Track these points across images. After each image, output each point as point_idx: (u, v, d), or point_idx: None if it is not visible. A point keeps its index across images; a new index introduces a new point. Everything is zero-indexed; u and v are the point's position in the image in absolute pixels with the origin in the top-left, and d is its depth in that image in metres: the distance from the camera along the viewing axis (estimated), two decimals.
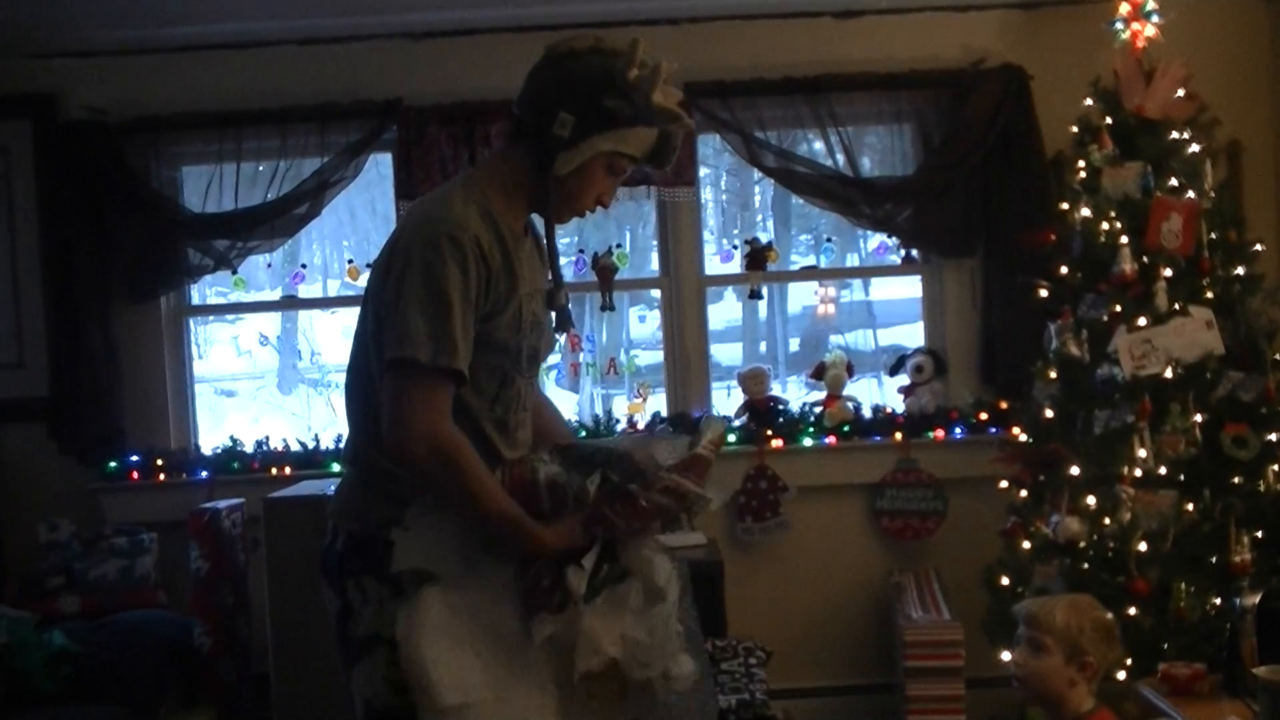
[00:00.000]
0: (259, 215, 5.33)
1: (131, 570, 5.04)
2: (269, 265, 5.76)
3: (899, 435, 5.40)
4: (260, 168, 5.41)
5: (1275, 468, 4.36)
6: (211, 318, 6.72)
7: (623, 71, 2.58)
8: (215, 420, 6.58)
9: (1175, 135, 4.65)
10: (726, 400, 5.89)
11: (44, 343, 5.36)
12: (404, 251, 2.53)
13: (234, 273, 5.51)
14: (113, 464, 5.34)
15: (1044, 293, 4.79)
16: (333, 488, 4.62)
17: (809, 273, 6.31)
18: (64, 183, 5.28)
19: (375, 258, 2.68)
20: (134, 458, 5.36)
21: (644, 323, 7.95)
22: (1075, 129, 4.85)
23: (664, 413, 5.55)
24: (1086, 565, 4.35)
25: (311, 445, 5.46)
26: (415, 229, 2.56)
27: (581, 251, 5.68)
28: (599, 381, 6.26)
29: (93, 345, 5.27)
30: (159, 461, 5.37)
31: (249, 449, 5.46)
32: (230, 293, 5.84)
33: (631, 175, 5.18)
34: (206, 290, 5.94)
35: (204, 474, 5.38)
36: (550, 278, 2.84)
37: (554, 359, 5.85)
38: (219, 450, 5.46)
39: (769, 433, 5.42)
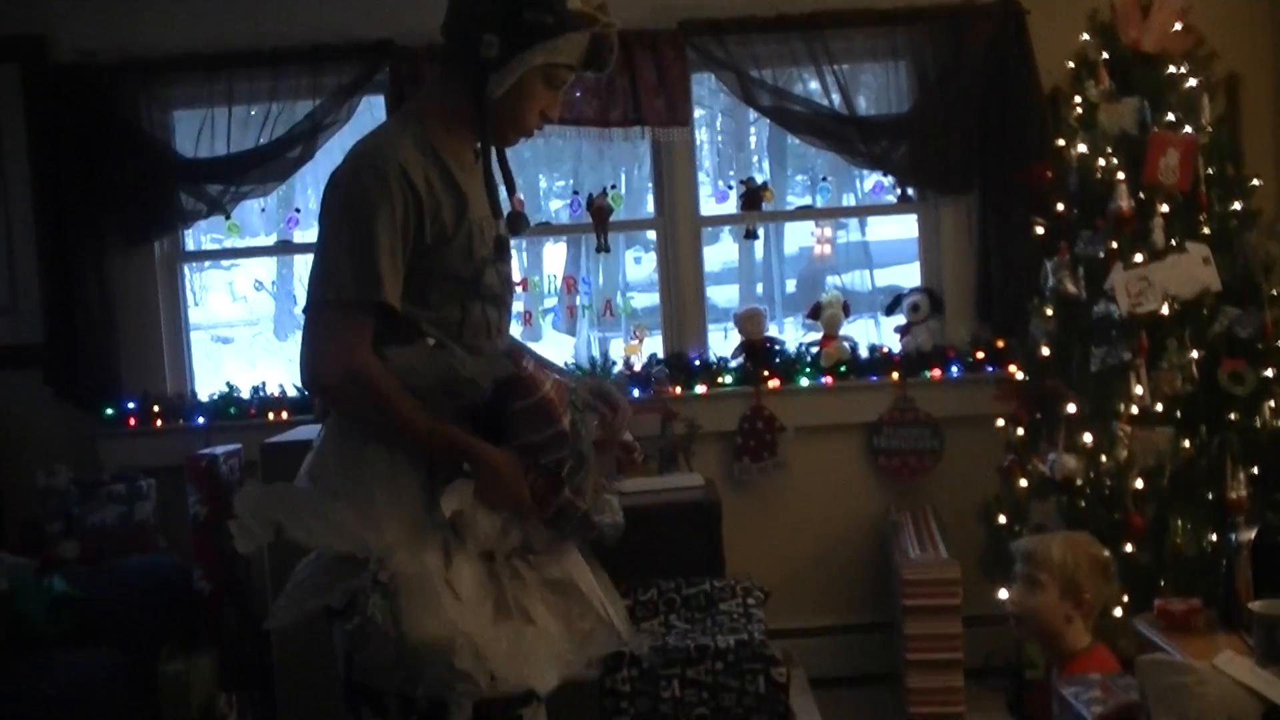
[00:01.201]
0: (252, 159, 5.30)
1: (130, 515, 5.05)
2: (263, 210, 5.74)
3: (895, 375, 5.40)
4: (252, 111, 5.37)
5: (1272, 403, 4.37)
6: (206, 264, 6.69)
7: None
8: (212, 366, 6.57)
9: (1172, 69, 4.61)
10: (723, 341, 5.89)
11: (37, 288, 5.34)
12: (331, 187, 2.57)
13: (227, 217, 5.48)
14: (109, 410, 5.34)
15: (1040, 230, 4.78)
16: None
17: (805, 212, 6.28)
18: (54, 126, 5.25)
19: None
20: (131, 404, 5.36)
21: (640, 264, 7.92)
22: (1072, 64, 4.82)
23: (660, 355, 5.54)
24: (1083, 502, 4.37)
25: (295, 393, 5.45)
26: (344, 164, 2.58)
27: (576, 193, 5.66)
28: (595, 324, 6.24)
29: (87, 291, 5.26)
30: (156, 408, 5.38)
31: (245, 395, 5.46)
32: (225, 239, 5.82)
33: (625, 115, 5.23)
34: (201, 237, 5.91)
35: (201, 420, 5.38)
36: (510, 203, 2.85)
37: (550, 302, 5.86)
38: (216, 396, 5.46)
39: (766, 373, 5.41)
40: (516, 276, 6.12)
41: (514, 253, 2.87)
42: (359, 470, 2.54)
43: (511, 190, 2.89)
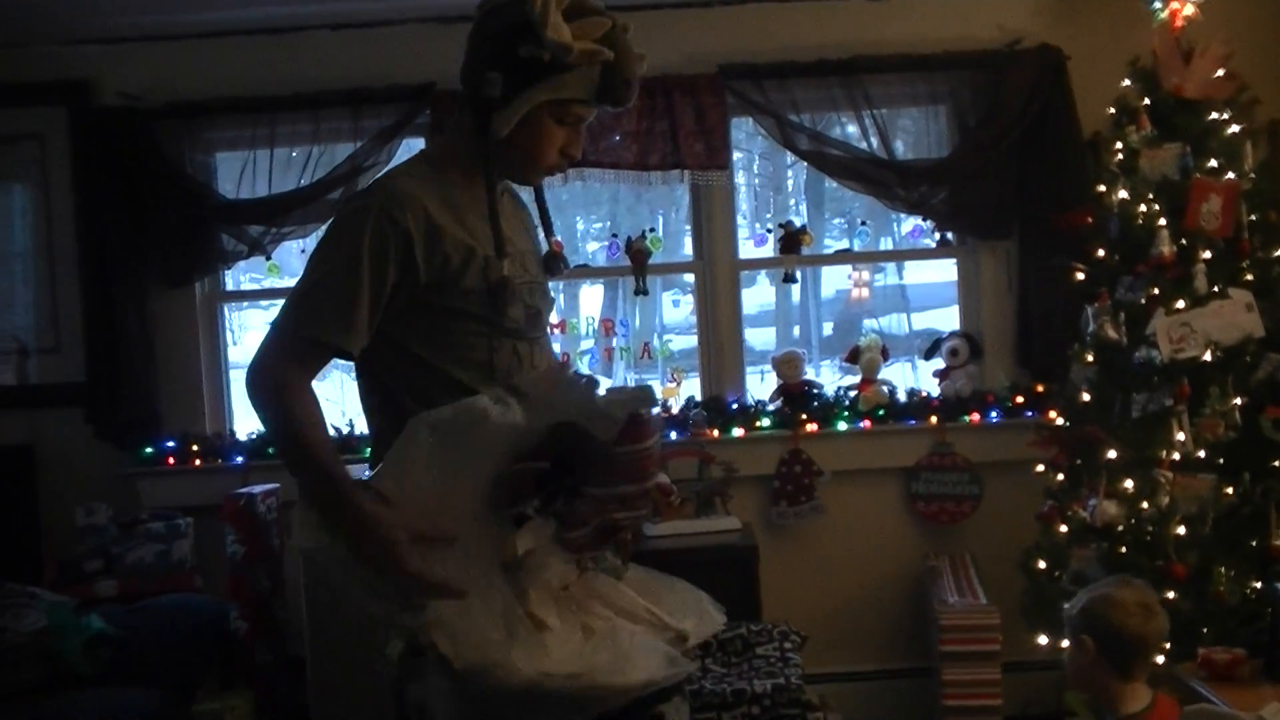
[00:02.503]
0: (292, 201, 5.34)
1: (168, 554, 5.07)
2: (302, 251, 5.76)
3: (934, 419, 5.38)
4: (294, 153, 5.42)
5: None
6: (246, 304, 6.73)
7: (535, 15, 2.45)
8: (250, 406, 6.61)
9: (1214, 115, 4.59)
10: (760, 385, 5.88)
11: (80, 328, 5.39)
12: (332, 220, 2.60)
13: (268, 258, 5.52)
14: (149, 449, 5.36)
15: (1081, 275, 4.76)
16: (367, 471, 4.67)
17: (843, 256, 6.27)
18: (98, 169, 5.30)
19: None
20: (170, 443, 5.38)
21: (677, 307, 7.94)
22: (1112, 110, 4.80)
23: (698, 398, 5.53)
24: (1124, 549, 4.32)
25: (346, 430, 5.46)
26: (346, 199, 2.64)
27: (615, 236, 5.67)
28: (632, 366, 6.24)
29: (129, 331, 5.29)
30: (194, 447, 5.40)
31: None
32: (264, 279, 5.85)
33: (664, 159, 5.25)
34: (240, 276, 5.95)
35: (239, 459, 5.39)
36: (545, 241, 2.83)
37: (587, 344, 5.86)
38: (254, 436, 5.47)
39: (803, 417, 5.40)
40: (554, 318, 6.16)
41: (550, 292, 2.85)
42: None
43: (549, 231, 2.85)
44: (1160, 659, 3.84)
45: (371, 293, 2.45)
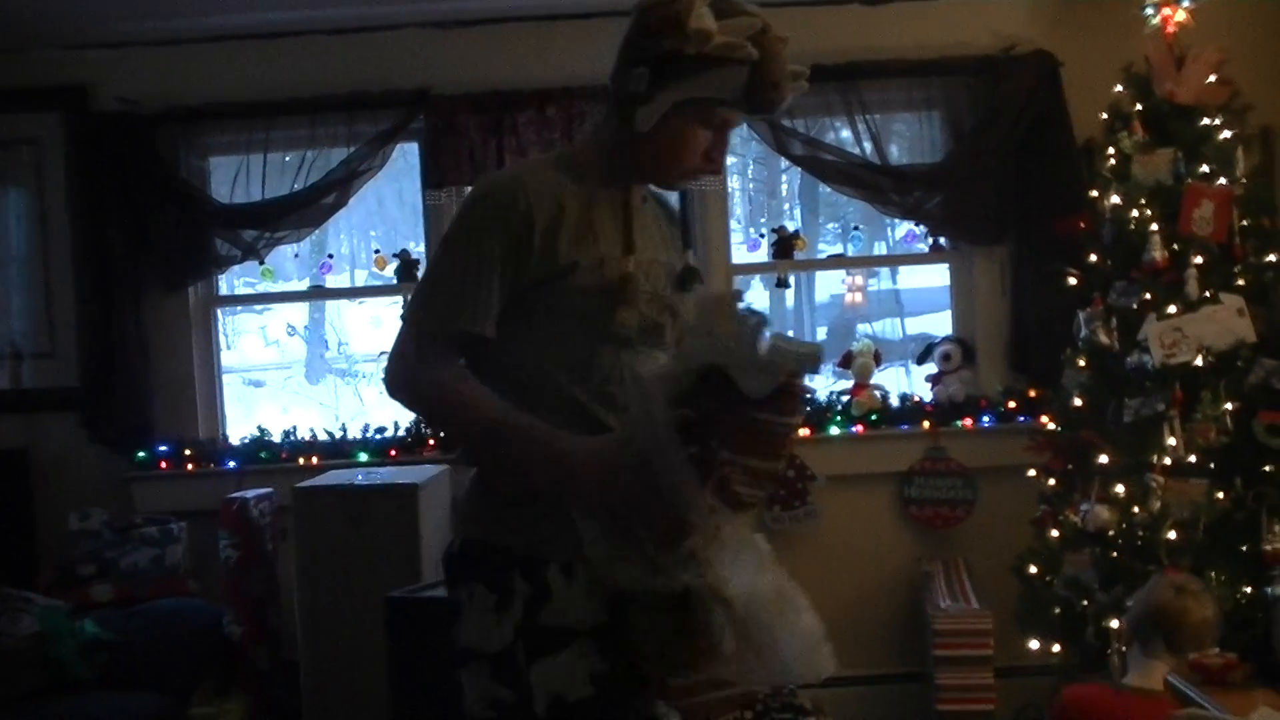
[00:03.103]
0: (287, 205, 5.34)
1: (162, 559, 5.07)
2: (296, 255, 5.78)
3: (928, 424, 5.39)
4: (288, 158, 5.43)
5: None
6: (240, 308, 6.74)
7: (681, 6, 2.38)
8: (244, 410, 6.61)
9: (1207, 121, 4.61)
10: None
11: (75, 333, 5.39)
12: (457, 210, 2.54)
13: (262, 263, 5.52)
14: (143, 453, 5.37)
15: (1074, 280, 4.77)
16: (361, 476, 4.69)
17: (836, 261, 6.29)
18: (95, 174, 5.31)
19: None
20: (164, 447, 5.38)
21: None
22: (1106, 116, 4.82)
23: None
24: (1117, 554, 4.33)
25: (339, 435, 5.47)
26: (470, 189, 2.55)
27: None
28: None
29: (124, 335, 5.30)
30: (189, 451, 5.39)
31: (277, 439, 5.48)
32: (258, 283, 5.86)
33: None
34: (235, 281, 5.96)
35: (233, 464, 5.40)
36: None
37: None
38: (248, 440, 5.47)
39: None
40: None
41: (679, 309, 2.60)
42: None
43: (686, 241, 2.75)
44: (1186, 641, 3.83)
45: (500, 276, 2.39)
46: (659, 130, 2.47)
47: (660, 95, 2.44)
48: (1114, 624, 3.96)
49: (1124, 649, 3.47)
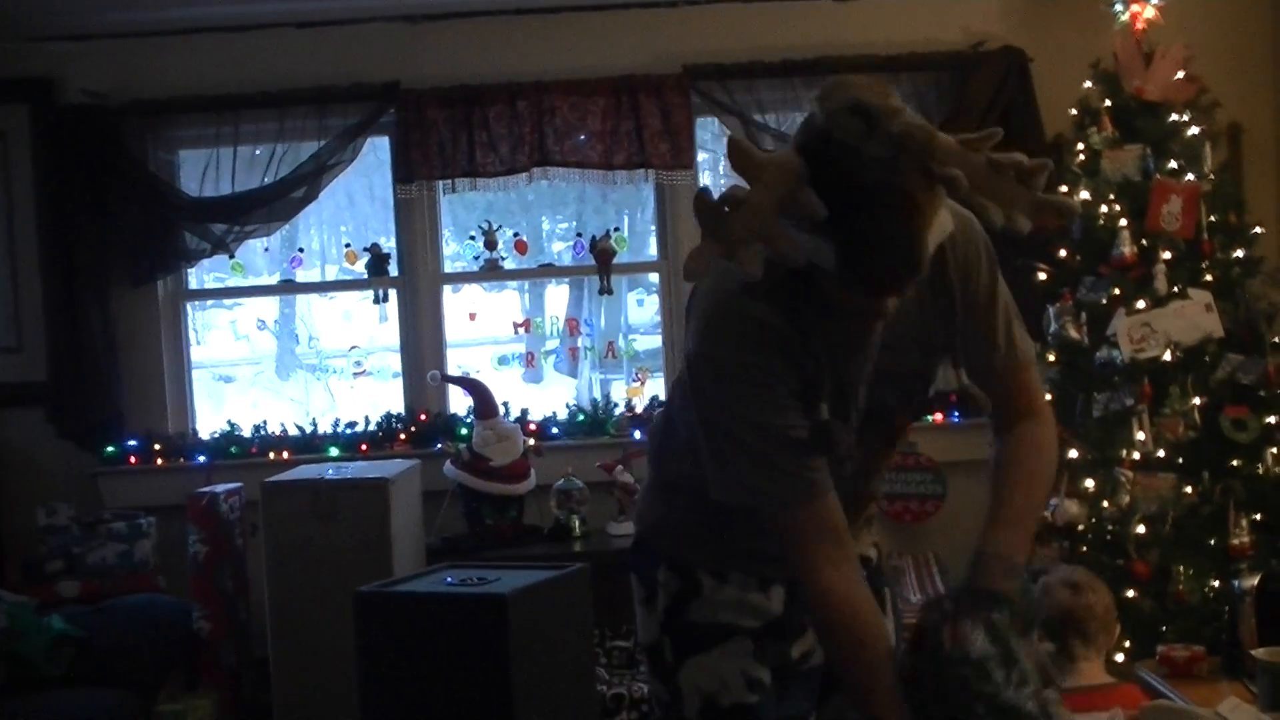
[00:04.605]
0: (256, 199, 5.32)
1: (130, 554, 5.04)
2: (266, 249, 5.75)
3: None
4: (258, 151, 5.40)
5: (1274, 450, 4.37)
6: (209, 302, 6.70)
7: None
8: (214, 405, 6.58)
9: (1175, 117, 4.64)
10: None
11: (42, 327, 5.34)
12: None
13: (231, 257, 5.49)
14: (111, 448, 5.33)
15: (1043, 275, 4.79)
16: (331, 471, 4.67)
17: None
18: (62, 167, 5.26)
19: None
20: (132, 442, 5.35)
21: (642, 307, 7.95)
22: (1075, 112, 4.84)
23: (663, 397, 5.54)
24: (1086, 548, 4.36)
25: (309, 429, 5.45)
26: None
27: (580, 235, 5.68)
28: (598, 366, 6.25)
29: (91, 329, 5.26)
30: (157, 446, 5.37)
31: (247, 433, 5.45)
32: (228, 277, 5.83)
33: (630, 159, 5.26)
34: (204, 275, 5.93)
35: (202, 458, 5.37)
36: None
37: (553, 343, 5.87)
38: (217, 435, 5.45)
39: None
40: (519, 317, 6.16)
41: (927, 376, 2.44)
42: None
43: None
44: (1120, 657, 3.88)
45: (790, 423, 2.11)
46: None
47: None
48: None
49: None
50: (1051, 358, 4.68)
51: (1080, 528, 4.38)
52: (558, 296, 7.67)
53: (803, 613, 2.30)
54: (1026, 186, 2.14)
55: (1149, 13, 4.72)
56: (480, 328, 5.91)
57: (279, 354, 8.18)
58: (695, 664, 2.35)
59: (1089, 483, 4.39)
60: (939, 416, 5.39)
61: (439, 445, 5.27)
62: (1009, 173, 2.15)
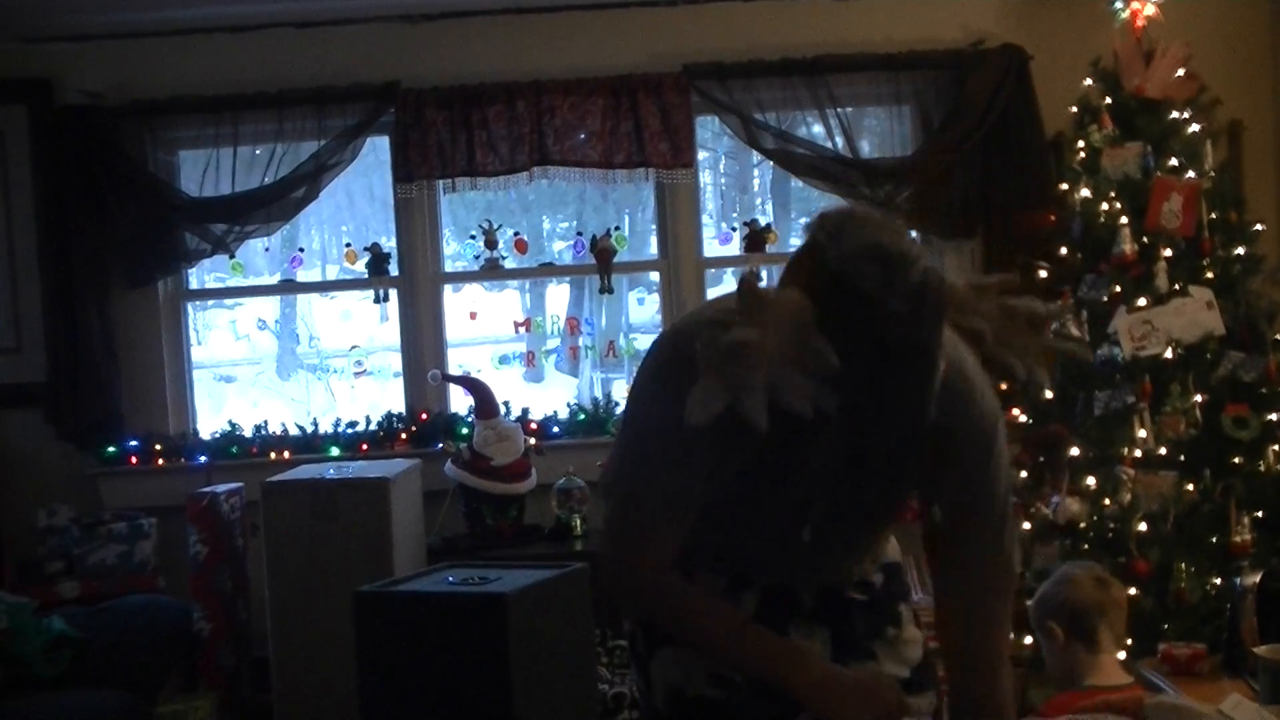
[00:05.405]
0: (256, 199, 5.31)
1: (130, 555, 5.04)
2: (267, 249, 5.75)
3: None
4: (257, 151, 5.40)
5: (1276, 448, 4.36)
6: (210, 302, 6.70)
7: None
8: (214, 405, 6.58)
9: (1175, 115, 4.64)
10: None
11: (41, 328, 5.34)
12: None
13: (231, 257, 5.49)
14: (111, 449, 5.33)
15: (1044, 274, 4.78)
16: (332, 471, 4.66)
17: None
18: (60, 168, 5.26)
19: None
20: (133, 443, 5.34)
21: (643, 305, 7.95)
22: (1075, 110, 4.84)
23: None
24: (1087, 546, 4.36)
25: (310, 429, 5.45)
26: None
27: (580, 234, 5.67)
28: (598, 365, 6.25)
29: (90, 330, 5.26)
30: (158, 446, 5.36)
31: (247, 433, 5.45)
32: (228, 277, 5.83)
33: (630, 158, 5.26)
34: (205, 275, 5.93)
35: (202, 459, 5.37)
36: None
37: (553, 343, 5.86)
38: (217, 435, 5.45)
39: None
40: (519, 316, 6.16)
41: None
42: None
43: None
44: (1121, 629, 3.85)
45: None
46: None
47: None
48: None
49: (1059, 652, 3.42)
50: None
51: (1081, 526, 4.37)
52: (558, 296, 7.68)
53: (779, 615, 2.29)
54: (1036, 332, 2.08)
55: (1149, 10, 4.72)
56: (481, 327, 5.91)
57: (279, 354, 8.19)
58: (664, 655, 2.35)
59: (1090, 481, 4.38)
60: None
61: (440, 445, 5.26)
62: (1021, 319, 2.08)
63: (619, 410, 5.42)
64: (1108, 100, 4.71)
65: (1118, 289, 4.48)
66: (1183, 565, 4.20)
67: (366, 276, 5.56)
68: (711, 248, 5.81)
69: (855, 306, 1.78)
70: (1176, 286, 4.44)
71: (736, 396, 1.78)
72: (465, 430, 5.26)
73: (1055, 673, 3.44)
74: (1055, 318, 2.07)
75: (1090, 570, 3.48)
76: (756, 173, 7.52)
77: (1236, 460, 4.34)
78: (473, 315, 5.74)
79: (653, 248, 5.93)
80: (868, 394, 1.82)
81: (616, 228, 5.62)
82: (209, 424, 5.60)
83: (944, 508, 2.30)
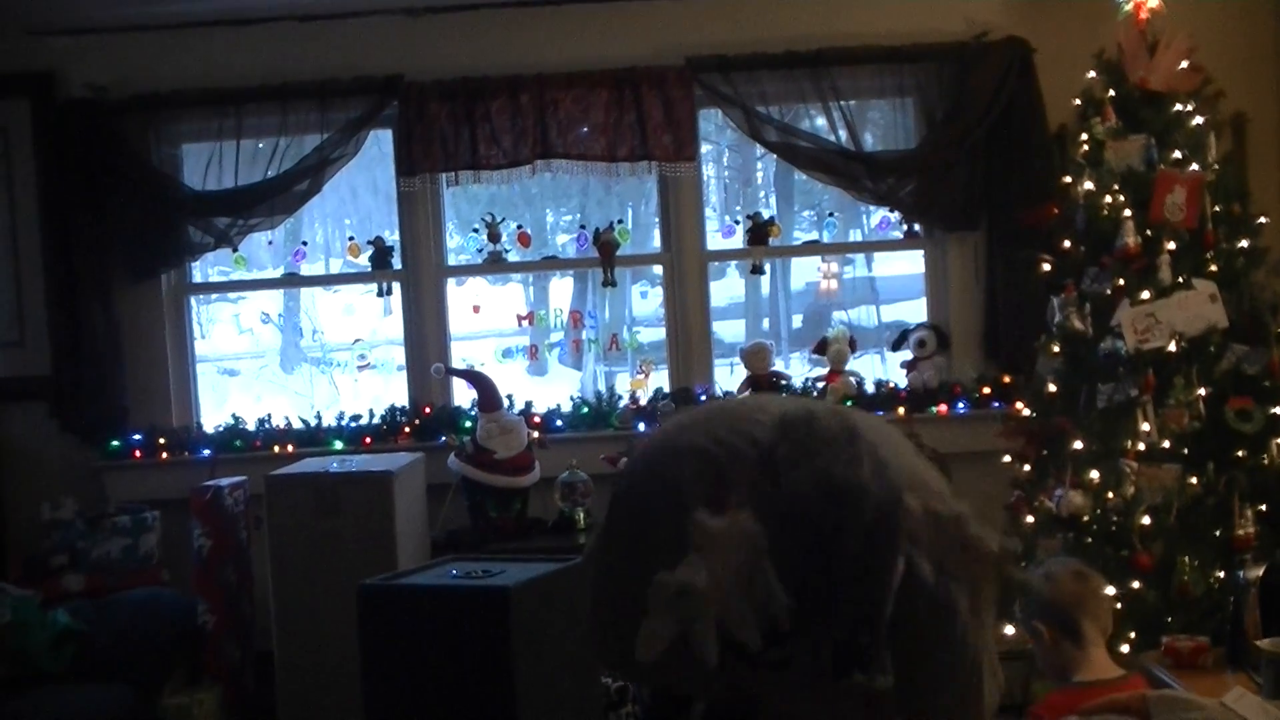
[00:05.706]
0: (259, 192, 5.32)
1: (135, 549, 5.05)
2: (270, 243, 5.76)
3: (902, 410, 5.39)
4: (260, 145, 5.40)
5: (1279, 441, 4.35)
6: (213, 296, 6.71)
7: None
8: (218, 399, 6.58)
9: (1179, 108, 4.62)
10: (730, 376, 5.88)
11: (45, 322, 5.35)
12: None
13: (235, 251, 5.50)
14: (115, 443, 5.34)
15: (1047, 267, 4.78)
16: (335, 464, 4.67)
17: (811, 248, 6.29)
18: (63, 161, 5.27)
19: None
20: (137, 436, 5.35)
21: (646, 299, 7.95)
22: (1078, 102, 4.83)
23: (666, 389, 5.54)
24: (1090, 539, 4.35)
25: (314, 423, 5.45)
26: None
27: (583, 228, 5.67)
28: (601, 358, 6.25)
29: (94, 324, 5.27)
30: (162, 440, 5.37)
31: (251, 427, 5.46)
32: (231, 271, 5.83)
33: (633, 151, 5.26)
34: (208, 269, 5.93)
35: (206, 452, 5.37)
36: None
37: (556, 336, 5.86)
38: (221, 428, 5.45)
39: None
40: (522, 309, 6.15)
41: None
42: None
43: None
44: (1125, 648, 3.88)
45: None
46: None
47: None
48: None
49: (1048, 650, 3.42)
50: (1055, 349, 4.67)
51: (1085, 519, 4.37)
52: (561, 289, 7.68)
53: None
54: (992, 568, 2.04)
55: (1152, 2, 4.70)
56: (484, 320, 5.91)
57: (283, 347, 8.18)
58: None
59: (1093, 474, 4.38)
60: (943, 408, 5.39)
61: (443, 438, 5.27)
62: (977, 553, 2.04)
63: (621, 404, 5.43)
64: (1111, 93, 4.70)
65: (1121, 282, 4.47)
66: (1186, 559, 4.19)
67: (370, 270, 5.56)
68: (714, 241, 5.80)
69: (807, 541, 1.77)
70: (1180, 279, 4.43)
71: (686, 630, 1.77)
72: (468, 424, 5.27)
73: (1047, 670, 3.44)
74: (1013, 553, 2.04)
75: (1067, 565, 3.48)
76: (760, 166, 7.51)
77: (1240, 453, 4.33)
78: (476, 309, 5.75)
79: (656, 241, 5.92)
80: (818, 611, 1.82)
81: (619, 221, 5.62)
82: (212, 418, 5.60)
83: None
